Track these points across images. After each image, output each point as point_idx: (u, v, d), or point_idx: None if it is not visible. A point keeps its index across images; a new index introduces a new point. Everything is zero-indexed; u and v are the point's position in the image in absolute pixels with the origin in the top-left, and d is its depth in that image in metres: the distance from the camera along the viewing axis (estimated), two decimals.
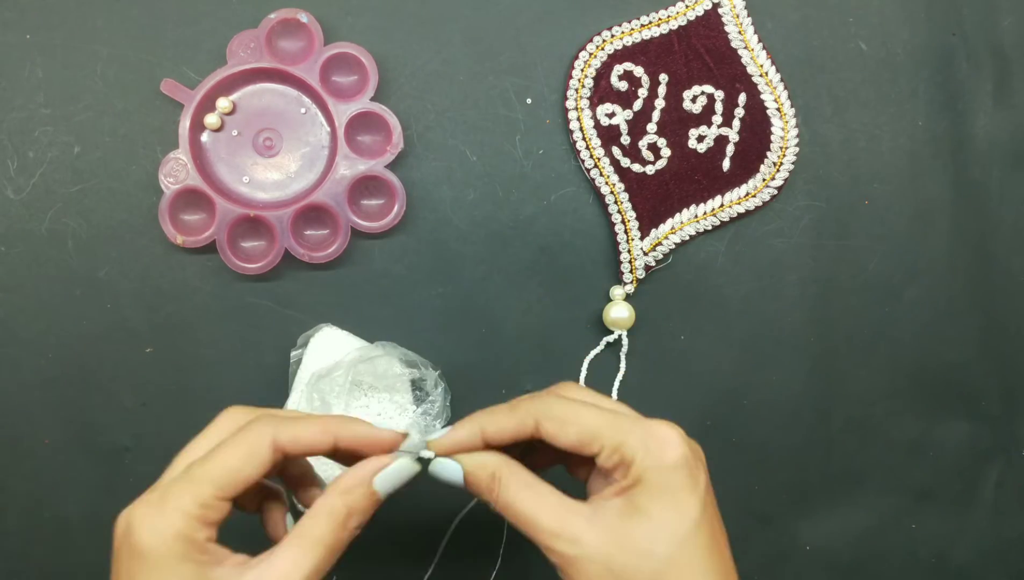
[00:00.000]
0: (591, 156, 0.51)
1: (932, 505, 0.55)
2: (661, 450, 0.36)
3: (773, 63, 0.52)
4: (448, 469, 0.38)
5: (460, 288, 0.52)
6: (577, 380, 0.52)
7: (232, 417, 0.37)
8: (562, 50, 0.52)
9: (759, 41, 0.52)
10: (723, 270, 0.53)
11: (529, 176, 0.52)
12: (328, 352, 0.50)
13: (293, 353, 0.50)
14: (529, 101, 0.52)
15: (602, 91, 0.52)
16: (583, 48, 0.51)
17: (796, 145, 0.52)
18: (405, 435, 0.38)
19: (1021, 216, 0.54)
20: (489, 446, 0.38)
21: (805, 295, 0.53)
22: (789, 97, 0.52)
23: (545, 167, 0.52)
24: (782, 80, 0.52)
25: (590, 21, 0.52)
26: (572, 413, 0.37)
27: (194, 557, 0.32)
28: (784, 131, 0.52)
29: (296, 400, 0.49)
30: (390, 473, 0.37)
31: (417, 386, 0.50)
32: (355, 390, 0.49)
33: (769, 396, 0.53)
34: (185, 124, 0.49)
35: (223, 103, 0.49)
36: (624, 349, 0.52)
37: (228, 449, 0.34)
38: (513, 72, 0.52)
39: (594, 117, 0.52)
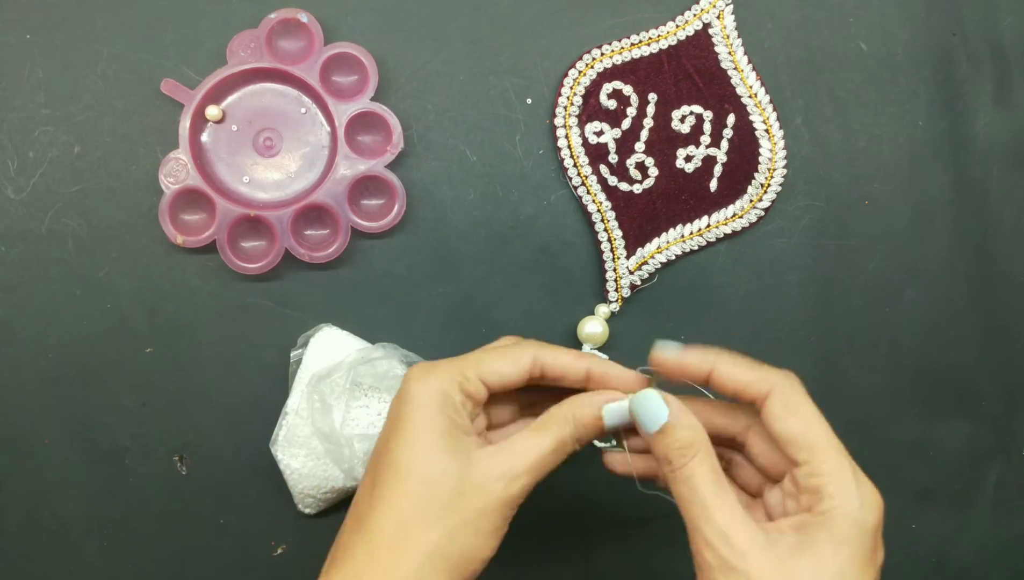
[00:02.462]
0: (579, 174, 0.51)
1: (932, 505, 0.55)
2: (867, 507, 0.35)
3: (763, 84, 0.52)
4: (652, 406, 0.38)
5: (460, 288, 0.52)
6: None
7: (505, 339, 0.44)
8: (562, 50, 0.52)
9: (748, 62, 0.52)
10: (723, 270, 0.53)
11: (529, 176, 0.52)
12: (328, 352, 0.50)
13: (293, 353, 0.50)
14: (529, 101, 0.52)
15: (591, 109, 0.52)
16: (572, 66, 0.51)
17: (784, 167, 0.52)
18: (649, 382, 0.41)
19: (1021, 216, 0.54)
20: (714, 386, 0.39)
21: (805, 295, 0.53)
22: (778, 119, 0.52)
23: (545, 167, 0.52)
24: (771, 101, 0.52)
25: (590, 22, 0.52)
26: (804, 412, 0.36)
27: (449, 413, 0.37)
28: (772, 152, 0.52)
29: (296, 400, 0.50)
30: (616, 409, 0.40)
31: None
32: (355, 390, 0.49)
33: None
34: (185, 124, 0.49)
35: (212, 111, 0.49)
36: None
37: (494, 352, 0.40)
38: (513, 72, 0.52)
39: (582, 135, 0.52)
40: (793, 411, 0.37)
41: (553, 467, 0.39)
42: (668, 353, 0.39)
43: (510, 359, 0.40)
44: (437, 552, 0.35)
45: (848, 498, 0.35)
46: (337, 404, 0.48)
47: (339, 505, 0.51)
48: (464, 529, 0.36)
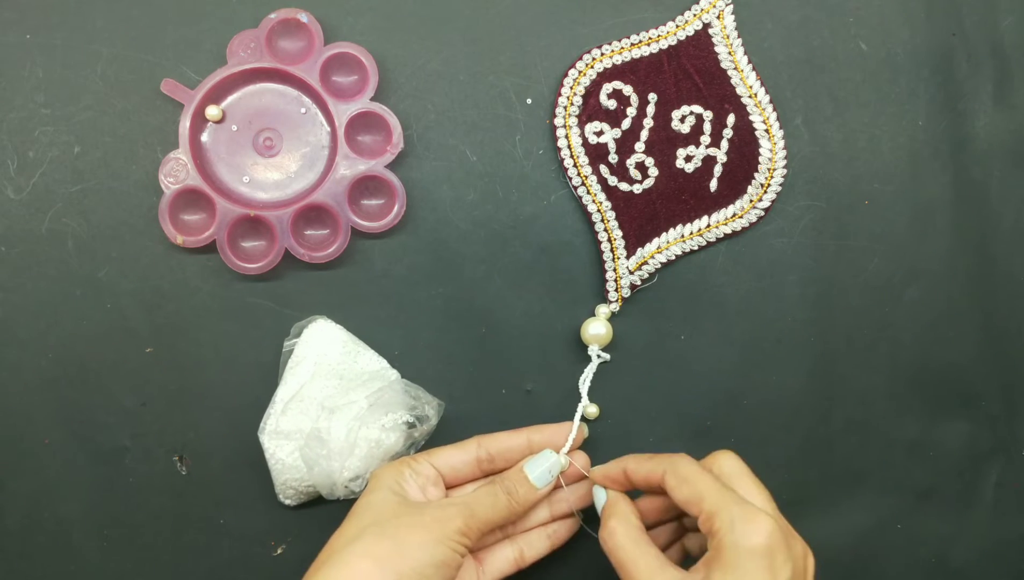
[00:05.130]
0: (579, 174, 0.51)
1: (932, 505, 0.55)
2: (747, 531, 0.39)
3: (763, 84, 0.52)
4: (597, 496, 0.47)
5: (460, 288, 0.52)
6: (578, 399, 0.52)
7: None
8: (562, 50, 0.52)
9: (748, 62, 0.52)
10: (723, 270, 0.53)
11: (529, 176, 0.52)
12: (320, 344, 0.50)
13: (286, 343, 0.50)
14: (529, 101, 0.52)
15: (591, 109, 0.52)
16: (572, 66, 0.51)
17: (784, 167, 0.52)
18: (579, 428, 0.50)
19: (1021, 216, 0.54)
20: (633, 483, 0.46)
21: (805, 295, 0.53)
22: (778, 119, 0.52)
23: (545, 167, 0.52)
24: (771, 101, 0.52)
25: (590, 21, 0.52)
26: (691, 475, 0.42)
27: (397, 478, 0.45)
28: (772, 152, 0.52)
29: (287, 391, 0.49)
30: (536, 460, 0.47)
31: (417, 418, 0.50)
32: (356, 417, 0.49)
33: (769, 396, 0.53)
34: (185, 124, 0.49)
35: (212, 111, 0.49)
36: (594, 361, 0.52)
37: (445, 445, 0.48)
38: (513, 72, 0.52)
39: (582, 135, 0.52)
40: (683, 480, 0.42)
41: (494, 514, 0.44)
42: (595, 471, 0.48)
43: (456, 446, 0.48)
44: (387, 559, 0.40)
45: (728, 528, 0.39)
46: (338, 448, 0.48)
47: (320, 499, 0.51)
48: (408, 541, 0.41)
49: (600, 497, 0.47)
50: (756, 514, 0.40)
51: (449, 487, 0.48)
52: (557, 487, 0.48)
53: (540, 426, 0.49)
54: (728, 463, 0.44)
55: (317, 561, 0.42)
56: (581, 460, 0.49)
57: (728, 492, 0.41)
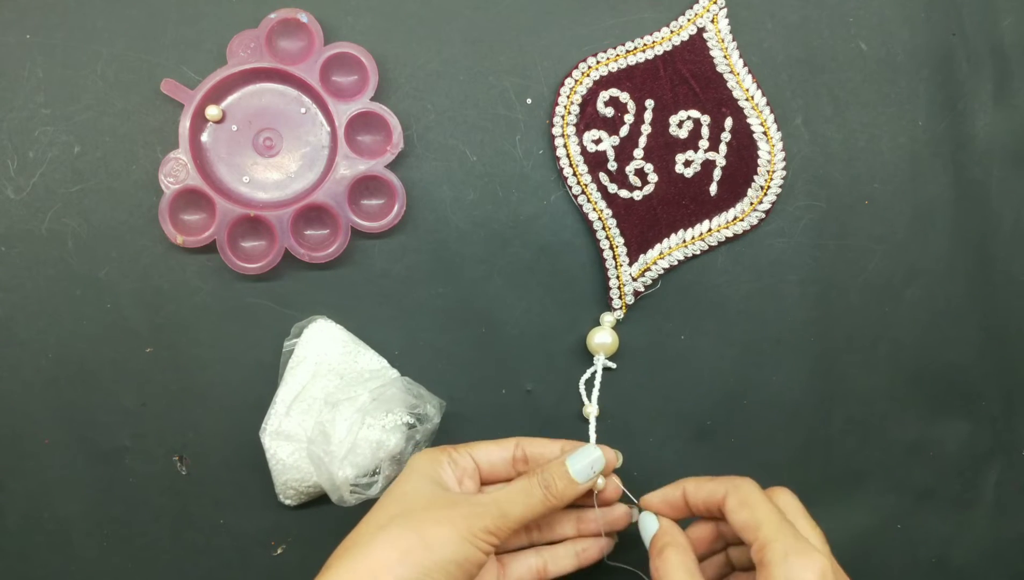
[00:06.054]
0: (578, 182, 0.51)
1: (932, 505, 0.55)
2: (799, 565, 0.39)
3: (759, 87, 0.52)
4: (647, 524, 0.46)
5: (460, 288, 0.52)
6: (578, 399, 0.52)
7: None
8: (562, 51, 0.52)
9: (744, 65, 0.52)
10: (723, 270, 0.53)
11: (529, 176, 0.52)
12: (321, 344, 0.50)
13: (286, 343, 0.50)
14: (529, 101, 0.52)
15: (588, 117, 0.52)
16: (568, 75, 0.51)
17: (783, 169, 0.52)
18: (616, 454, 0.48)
19: (1021, 216, 0.54)
20: (690, 505, 0.45)
21: (805, 295, 0.53)
22: (776, 121, 0.52)
23: (545, 167, 0.52)
24: (768, 103, 0.52)
25: (590, 22, 0.52)
26: (753, 500, 0.42)
27: (435, 466, 0.45)
28: (771, 154, 0.52)
29: (288, 391, 0.49)
30: (579, 454, 0.46)
31: (418, 417, 0.50)
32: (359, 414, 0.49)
33: (769, 396, 0.53)
34: (185, 124, 0.49)
35: (212, 111, 0.49)
36: (600, 371, 0.52)
37: (486, 440, 0.47)
38: (513, 72, 0.52)
39: (580, 144, 0.52)
40: (743, 503, 0.42)
41: (527, 511, 0.44)
42: (650, 497, 0.47)
43: (496, 442, 0.47)
44: (411, 553, 0.40)
45: (780, 560, 0.39)
46: (339, 449, 0.48)
47: (320, 499, 0.51)
48: (434, 535, 0.41)
49: (650, 525, 0.45)
50: (811, 551, 0.39)
51: (484, 483, 0.47)
52: (588, 506, 0.48)
53: (576, 442, 0.48)
54: (785, 499, 0.44)
55: (342, 547, 0.42)
56: (612, 458, 0.48)
57: (787, 525, 0.41)
